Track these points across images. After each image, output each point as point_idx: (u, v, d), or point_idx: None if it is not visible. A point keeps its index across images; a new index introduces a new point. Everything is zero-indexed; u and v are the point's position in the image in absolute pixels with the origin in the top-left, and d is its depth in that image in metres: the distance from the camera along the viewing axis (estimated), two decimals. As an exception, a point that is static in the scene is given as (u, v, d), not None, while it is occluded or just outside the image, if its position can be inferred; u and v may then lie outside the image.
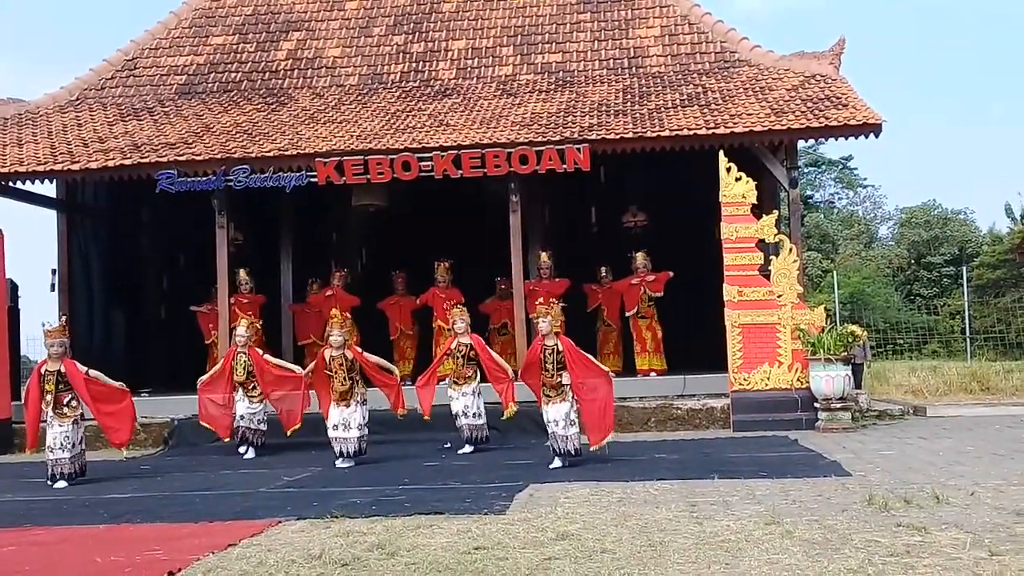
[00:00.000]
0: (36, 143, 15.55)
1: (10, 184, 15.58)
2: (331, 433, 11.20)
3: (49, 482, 10.49)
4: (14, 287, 15.78)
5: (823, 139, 17.41)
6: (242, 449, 12.59)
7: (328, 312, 12.71)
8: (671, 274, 15.37)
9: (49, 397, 10.67)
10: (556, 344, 10.27)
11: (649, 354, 15.46)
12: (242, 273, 15.93)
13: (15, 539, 7.39)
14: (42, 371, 10.78)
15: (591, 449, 10.27)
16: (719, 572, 5.45)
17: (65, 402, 10.68)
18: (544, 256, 15.81)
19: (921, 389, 17.85)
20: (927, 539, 6.07)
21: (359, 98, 16.68)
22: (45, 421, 10.83)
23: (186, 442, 13.92)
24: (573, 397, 10.25)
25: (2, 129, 16.26)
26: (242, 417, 12.65)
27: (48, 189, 16.56)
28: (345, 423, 11.14)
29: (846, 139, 14.46)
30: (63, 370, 10.70)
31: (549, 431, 10.25)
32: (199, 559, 6.26)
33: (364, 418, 11.29)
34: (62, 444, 10.58)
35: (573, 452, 10.13)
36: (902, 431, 12.64)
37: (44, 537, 7.47)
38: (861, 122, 13.74)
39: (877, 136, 13.93)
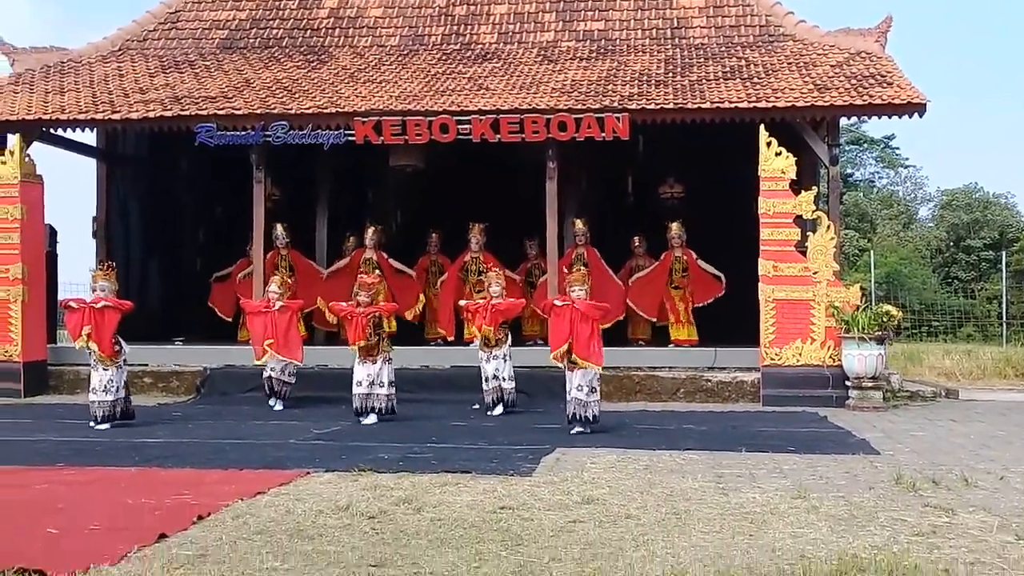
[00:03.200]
0: (78, 91, 15.64)
1: (51, 131, 15.70)
2: (355, 390, 11.26)
3: (92, 423, 10.67)
4: (53, 233, 15.98)
5: (866, 117, 17.18)
6: (272, 402, 12.67)
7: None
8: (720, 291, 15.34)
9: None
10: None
11: (683, 325, 15.44)
12: (279, 227, 16.00)
13: (48, 478, 7.53)
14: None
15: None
16: (743, 543, 5.47)
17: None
18: (579, 224, 15.77)
19: (954, 372, 17.69)
20: (954, 521, 6.06)
21: (399, 59, 16.64)
22: (89, 364, 11.03)
23: (218, 391, 14.07)
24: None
25: (45, 77, 16.36)
26: (272, 369, 12.74)
27: (89, 138, 16.71)
28: (371, 380, 11.20)
29: (889, 118, 14.31)
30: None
31: (569, 396, 10.25)
32: (228, 505, 6.36)
33: (391, 376, 11.36)
34: (106, 387, 10.77)
35: (591, 418, 10.16)
36: (933, 413, 12.56)
37: (76, 477, 7.61)
38: (905, 101, 13.57)
39: (921, 116, 13.76)
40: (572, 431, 10.05)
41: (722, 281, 15.34)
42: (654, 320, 15.63)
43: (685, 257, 15.50)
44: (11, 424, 11.17)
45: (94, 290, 11.02)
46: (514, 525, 5.87)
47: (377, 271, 15.19)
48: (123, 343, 11.03)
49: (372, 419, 11.11)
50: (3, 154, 14.69)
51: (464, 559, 5.11)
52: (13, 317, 14.37)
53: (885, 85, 14.03)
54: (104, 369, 10.82)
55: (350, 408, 11.43)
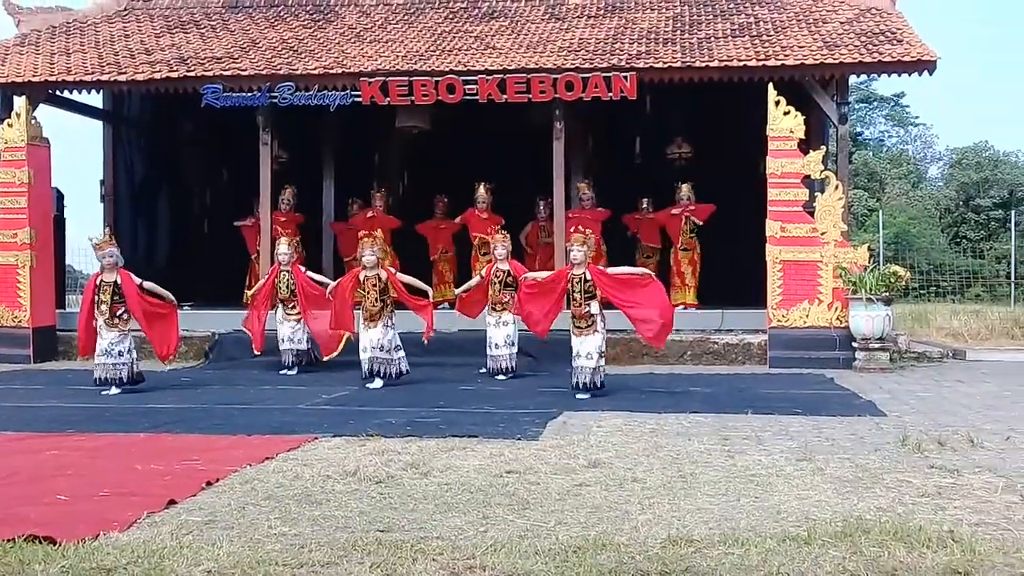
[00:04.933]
0: (84, 53, 15.58)
1: (58, 94, 15.66)
2: (362, 355, 11.30)
3: (102, 390, 10.72)
4: (60, 196, 15.96)
5: (876, 75, 17.05)
6: (288, 372, 12.66)
7: (369, 233, 12.73)
8: (714, 207, 15.26)
9: (104, 307, 10.86)
10: (584, 274, 10.24)
11: (687, 288, 15.40)
12: (287, 191, 15.97)
13: (57, 444, 7.57)
14: (98, 282, 10.98)
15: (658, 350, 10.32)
16: (748, 505, 5.49)
17: (118, 313, 10.88)
18: (584, 186, 15.72)
19: (962, 333, 17.64)
20: (959, 481, 6.07)
21: (406, 18, 16.53)
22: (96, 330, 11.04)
23: (226, 356, 14.11)
24: (604, 328, 10.26)
25: (50, 38, 16.29)
26: (286, 340, 12.76)
27: (95, 100, 16.67)
28: (372, 344, 11.21)
29: (899, 75, 14.17)
30: (119, 281, 10.88)
31: (575, 364, 10.26)
32: (237, 471, 6.39)
33: (395, 340, 11.36)
34: (107, 351, 10.80)
35: (599, 385, 10.16)
36: (940, 374, 12.56)
37: (85, 443, 7.64)
38: (915, 58, 13.45)
39: (931, 73, 13.64)
40: (578, 396, 10.05)
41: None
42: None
43: (693, 218, 15.42)
44: (21, 390, 11.23)
45: (101, 259, 10.99)
46: (520, 489, 5.89)
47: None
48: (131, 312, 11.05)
49: (378, 383, 11.15)
50: (9, 117, 14.67)
51: (471, 523, 5.14)
52: (21, 282, 14.41)
53: (895, 42, 13.90)
54: (108, 333, 10.84)
55: (358, 373, 11.47)
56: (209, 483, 6.02)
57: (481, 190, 15.74)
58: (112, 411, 9.38)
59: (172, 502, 5.55)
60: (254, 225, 16.14)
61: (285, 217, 15.89)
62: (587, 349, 10.15)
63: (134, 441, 7.69)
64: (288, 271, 12.76)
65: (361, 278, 11.41)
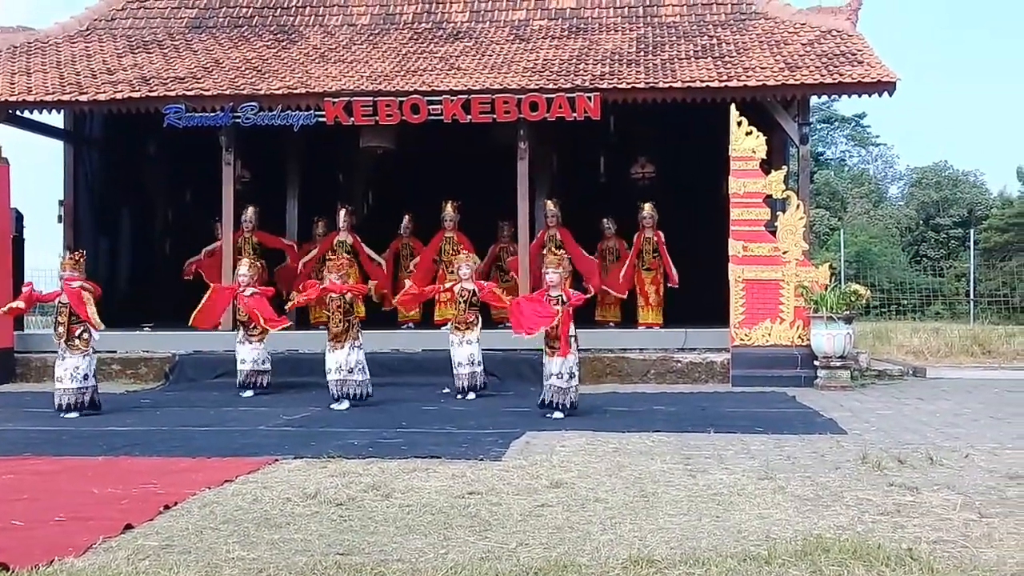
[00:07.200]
0: (45, 72, 15.45)
1: (18, 113, 15.50)
2: (329, 377, 11.23)
3: (60, 413, 10.56)
4: (19, 217, 15.76)
5: (836, 96, 17.22)
6: (246, 393, 12.52)
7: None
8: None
9: (61, 329, 10.73)
10: (560, 296, 10.23)
11: (651, 308, 15.43)
12: (249, 210, 15.85)
13: (14, 468, 7.46)
14: (56, 302, 10.89)
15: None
16: (710, 524, 5.50)
17: (77, 334, 10.74)
18: (551, 205, 15.75)
19: (922, 350, 17.84)
20: (918, 499, 6.11)
21: (370, 38, 16.54)
22: (56, 352, 10.92)
23: (186, 378, 13.98)
24: (576, 349, 10.25)
25: (11, 57, 16.14)
26: (243, 361, 12.61)
27: (55, 120, 16.50)
28: (339, 366, 11.15)
29: (860, 96, 14.35)
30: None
31: (547, 383, 10.24)
32: (195, 494, 6.32)
33: (362, 361, 11.32)
34: (72, 376, 10.65)
35: (570, 405, 10.14)
36: (900, 391, 12.66)
37: (42, 467, 7.53)
38: (875, 79, 13.62)
39: (891, 94, 13.81)
40: (547, 415, 10.02)
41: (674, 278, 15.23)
42: (623, 297, 15.56)
43: (655, 238, 15.47)
44: (-23, 412, 11.06)
45: (62, 277, 10.89)
46: (482, 510, 5.87)
47: (348, 255, 15.18)
48: (91, 330, 10.92)
49: (344, 405, 11.07)
50: (-33, 137, 14.52)
51: (431, 545, 5.11)
52: (-22, 304, 14.18)
53: (855, 63, 14.07)
54: (71, 357, 10.70)
55: (321, 394, 11.39)
56: (167, 507, 5.95)
57: (449, 208, 15.72)
58: (69, 434, 9.25)
59: (129, 527, 5.48)
60: (207, 260, 16.01)
61: (257, 237, 15.85)
62: (561, 369, 10.13)
63: (91, 465, 7.59)
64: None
65: (327, 300, 11.39)
